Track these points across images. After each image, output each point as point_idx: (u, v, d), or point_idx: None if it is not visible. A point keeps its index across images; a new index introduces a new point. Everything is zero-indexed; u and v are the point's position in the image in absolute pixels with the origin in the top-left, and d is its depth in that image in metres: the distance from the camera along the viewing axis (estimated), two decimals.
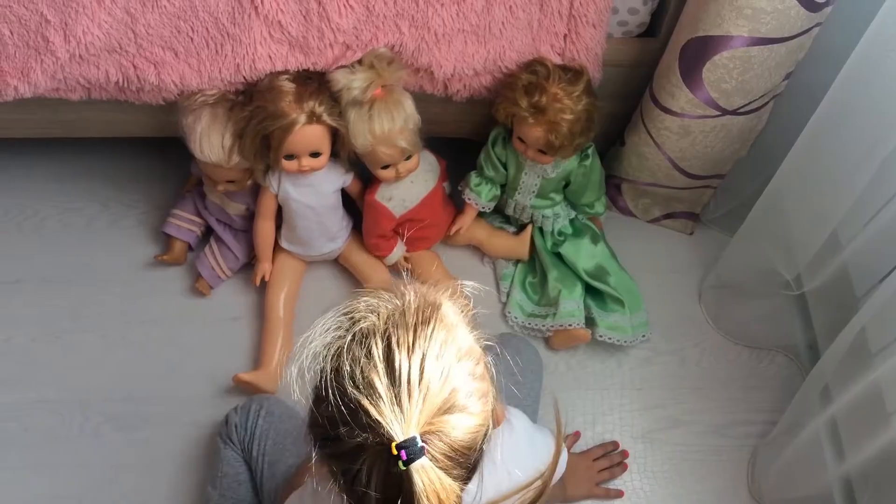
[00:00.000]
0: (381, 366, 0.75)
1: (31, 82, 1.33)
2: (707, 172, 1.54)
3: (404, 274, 0.92)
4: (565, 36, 1.36)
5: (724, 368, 1.59)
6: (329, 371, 0.77)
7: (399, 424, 0.73)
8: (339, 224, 1.57)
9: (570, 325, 1.53)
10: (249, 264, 1.63)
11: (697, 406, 1.55)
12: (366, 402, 0.74)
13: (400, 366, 0.75)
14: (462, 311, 0.85)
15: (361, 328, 0.79)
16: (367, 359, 0.76)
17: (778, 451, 1.41)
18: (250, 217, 1.58)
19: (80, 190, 1.74)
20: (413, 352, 0.76)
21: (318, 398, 0.78)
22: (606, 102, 1.51)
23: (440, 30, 1.33)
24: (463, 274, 1.64)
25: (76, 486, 1.45)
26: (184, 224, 1.63)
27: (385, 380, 0.75)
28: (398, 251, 1.59)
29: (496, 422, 0.83)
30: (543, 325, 1.56)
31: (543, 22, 1.35)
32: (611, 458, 1.48)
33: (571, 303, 1.54)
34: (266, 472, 1.32)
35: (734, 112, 1.36)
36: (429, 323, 0.79)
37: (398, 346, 0.76)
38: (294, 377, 0.80)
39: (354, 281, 1.63)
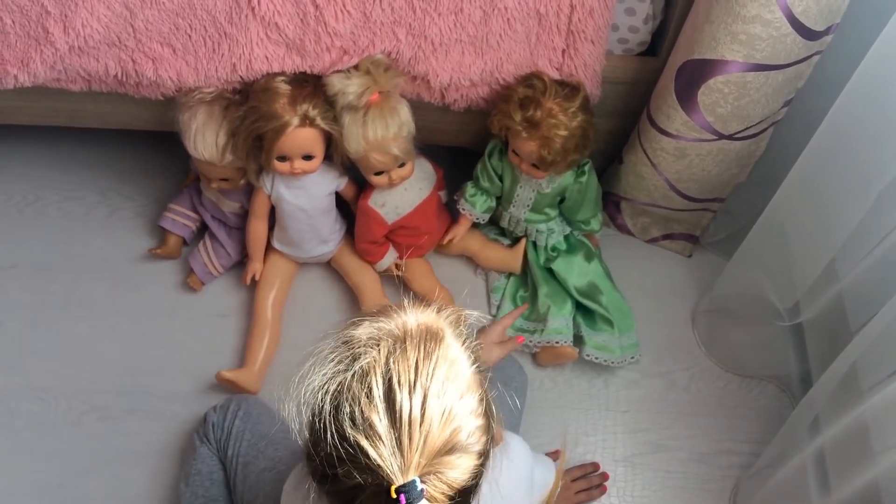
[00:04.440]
0: (381, 406, 0.73)
1: (31, 72, 1.34)
2: (705, 195, 1.52)
3: (406, 297, 0.87)
4: (563, 51, 1.35)
5: (713, 396, 1.56)
6: (329, 410, 0.75)
7: (399, 467, 0.71)
8: (331, 227, 1.57)
9: (556, 343, 1.51)
10: (242, 262, 1.63)
11: (682, 432, 1.53)
12: (365, 444, 0.72)
13: (401, 406, 0.73)
14: (465, 343, 0.82)
15: (362, 366, 0.76)
16: (368, 399, 0.74)
17: (761, 483, 1.38)
18: (244, 215, 1.58)
19: (81, 179, 1.76)
20: (414, 391, 0.74)
21: (316, 436, 0.76)
22: (605, 119, 1.49)
23: (437, 39, 1.32)
24: (454, 284, 1.63)
25: (57, 473, 1.46)
26: (179, 219, 1.64)
27: (386, 421, 0.73)
28: (389, 258, 1.59)
29: (494, 443, 0.82)
30: (531, 341, 1.55)
31: (542, 36, 1.33)
32: (589, 480, 1.46)
33: (560, 320, 1.53)
34: (239, 473, 1.31)
35: (730, 137, 1.33)
36: (431, 357, 0.77)
37: (399, 386, 0.74)
38: (292, 413, 0.78)
39: (346, 285, 1.63)
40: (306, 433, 0.78)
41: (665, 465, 1.50)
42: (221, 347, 1.58)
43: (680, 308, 1.65)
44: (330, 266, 1.65)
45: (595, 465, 1.48)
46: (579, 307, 1.57)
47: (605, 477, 1.47)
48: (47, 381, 1.54)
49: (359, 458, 0.72)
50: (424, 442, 0.73)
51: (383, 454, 0.72)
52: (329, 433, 0.74)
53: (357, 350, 0.78)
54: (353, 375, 0.76)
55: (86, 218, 1.72)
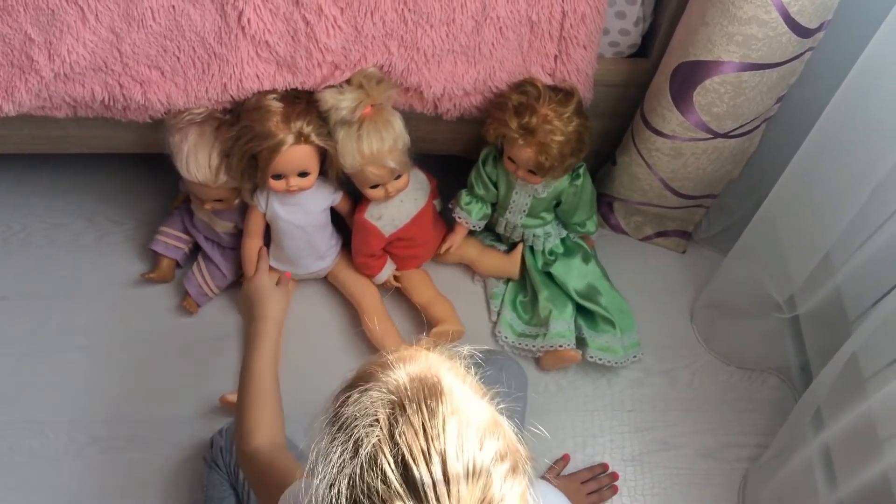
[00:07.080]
0: (401, 490, 0.66)
1: (16, 101, 1.31)
2: (699, 192, 1.53)
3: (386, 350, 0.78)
4: (556, 57, 1.35)
5: (716, 390, 1.57)
6: None
7: None
8: (327, 243, 1.56)
9: (560, 346, 1.51)
10: (237, 282, 1.61)
11: (688, 428, 1.54)
12: None
13: (422, 482, 0.65)
14: (465, 379, 0.75)
15: (367, 451, 0.68)
16: (385, 485, 0.66)
17: (769, 475, 1.40)
18: (238, 234, 1.56)
19: (67, 205, 1.73)
20: (430, 460, 0.66)
21: None
22: (598, 121, 1.50)
23: (429, 50, 1.32)
24: (453, 293, 1.62)
25: None
26: (171, 241, 1.61)
27: (411, 502, 0.65)
28: (387, 270, 1.58)
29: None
30: (533, 346, 1.55)
31: (534, 43, 1.33)
32: (599, 481, 1.47)
33: (562, 323, 1.53)
34: (253, 495, 1.30)
35: (725, 135, 1.34)
36: (436, 414, 0.69)
37: (413, 460, 0.66)
38: None
39: (344, 299, 1.62)
40: None
41: (673, 462, 1.51)
42: (221, 370, 1.56)
43: (678, 305, 1.66)
44: (327, 281, 1.64)
45: (604, 466, 1.49)
46: (580, 309, 1.57)
47: (614, 477, 1.48)
48: (46, 414, 1.51)
49: None
50: None
51: None
52: None
53: (356, 434, 0.69)
54: (360, 465, 0.67)
55: (74, 245, 1.68)
